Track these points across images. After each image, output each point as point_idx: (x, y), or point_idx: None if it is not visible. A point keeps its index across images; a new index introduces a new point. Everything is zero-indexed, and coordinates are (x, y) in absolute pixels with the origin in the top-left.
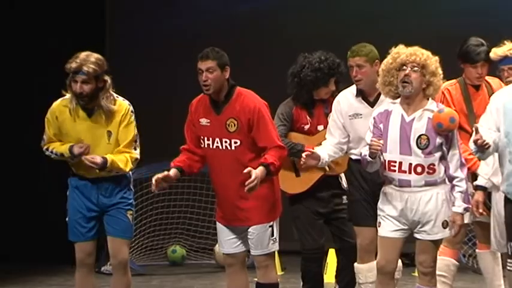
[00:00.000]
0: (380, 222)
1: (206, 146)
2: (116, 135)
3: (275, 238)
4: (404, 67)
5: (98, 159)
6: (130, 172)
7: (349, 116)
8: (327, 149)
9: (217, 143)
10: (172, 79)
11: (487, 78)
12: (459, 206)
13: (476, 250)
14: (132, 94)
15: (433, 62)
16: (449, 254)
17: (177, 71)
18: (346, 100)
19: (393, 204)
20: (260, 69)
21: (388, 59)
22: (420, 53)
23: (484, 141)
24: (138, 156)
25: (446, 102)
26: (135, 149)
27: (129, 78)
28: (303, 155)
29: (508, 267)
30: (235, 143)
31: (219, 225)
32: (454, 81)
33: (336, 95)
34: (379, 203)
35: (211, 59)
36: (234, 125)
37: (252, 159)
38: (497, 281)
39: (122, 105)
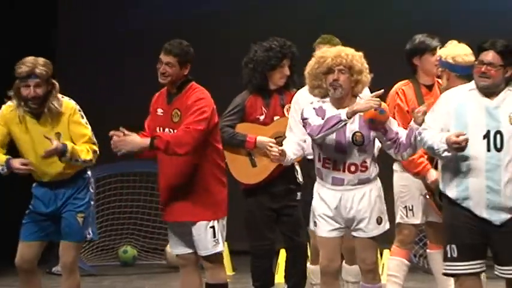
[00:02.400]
0: (315, 222)
1: None
2: (68, 136)
3: (217, 239)
4: (332, 70)
5: (56, 143)
6: (89, 173)
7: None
8: (290, 147)
9: (164, 132)
10: (121, 79)
11: (438, 79)
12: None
13: (427, 250)
14: (82, 95)
15: (359, 59)
16: (401, 254)
17: (126, 71)
18: (305, 97)
19: (327, 203)
20: (212, 69)
21: (313, 64)
22: (345, 54)
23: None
24: (97, 150)
25: (400, 102)
26: (94, 144)
27: (80, 79)
28: (272, 154)
29: (444, 270)
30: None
31: (168, 225)
32: (406, 81)
33: (292, 87)
34: (313, 202)
35: (173, 55)
36: (178, 116)
37: (200, 150)
38: (447, 281)
39: (68, 105)
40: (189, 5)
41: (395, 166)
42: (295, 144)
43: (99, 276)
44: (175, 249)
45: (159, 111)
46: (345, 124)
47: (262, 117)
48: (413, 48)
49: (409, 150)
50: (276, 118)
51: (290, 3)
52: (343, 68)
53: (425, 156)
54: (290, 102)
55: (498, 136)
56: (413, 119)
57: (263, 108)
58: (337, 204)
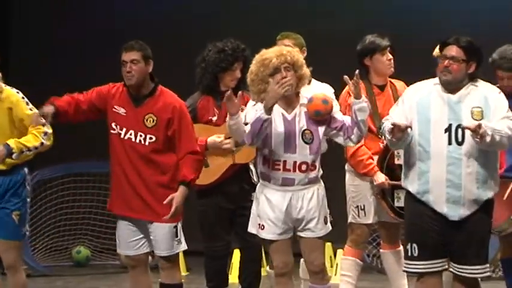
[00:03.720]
0: (263, 225)
1: (117, 134)
2: (7, 124)
3: (179, 239)
4: (278, 70)
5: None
6: (25, 169)
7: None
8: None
9: (130, 134)
10: (72, 80)
11: (392, 80)
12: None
13: (380, 250)
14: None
15: (298, 54)
16: (354, 253)
17: (77, 73)
18: None
19: (276, 206)
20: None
21: (257, 68)
22: (287, 51)
23: (400, 124)
24: (49, 130)
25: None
26: (43, 125)
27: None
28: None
29: (405, 268)
30: (151, 138)
31: (120, 225)
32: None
33: (244, 89)
34: (260, 205)
35: (136, 50)
36: (153, 121)
37: (164, 156)
38: (401, 281)
39: (9, 92)
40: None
41: (348, 166)
42: None
43: (53, 276)
44: (126, 250)
45: (121, 110)
46: (268, 120)
47: (214, 119)
48: (363, 48)
49: (356, 131)
50: (227, 120)
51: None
52: (288, 66)
53: (374, 158)
54: (242, 104)
55: (459, 130)
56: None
57: (215, 110)
58: (287, 205)
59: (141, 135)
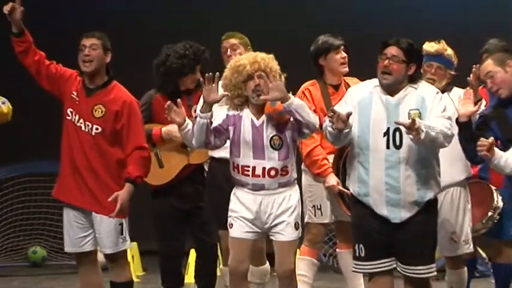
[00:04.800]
0: (232, 224)
1: (72, 120)
2: None
3: (125, 236)
4: (251, 77)
5: None
6: None
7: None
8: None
9: (80, 123)
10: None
11: (345, 78)
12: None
13: (337, 250)
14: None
15: (273, 61)
16: (310, 253)
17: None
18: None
19: (247, 207)
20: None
21: (230, 74)
22: (261, 58)
23: (340, 113)
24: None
25: (306, 102)
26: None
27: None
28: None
29: (353, 269)
30: (97, 129)
31: (66, 222)
32: (313, 81)
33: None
34: (230, 205)
35: (96, 38)
36: (101, 112)
37: (110, 148)
38: (357, 280)
39: None
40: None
41: (304, 166)
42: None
43: (8, 276)
44: (72, 247)
45: (74, 94)
46: (206, 118)
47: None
48: (317, 48)
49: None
50: None
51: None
52: (261, 73)
53: (330, 159)
54: (197, 103)
55: (397, 133)
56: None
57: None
58: (257, 208)
59: (88, 125)
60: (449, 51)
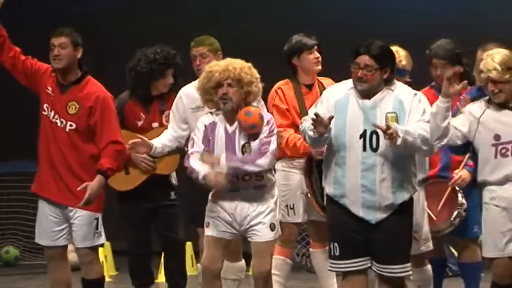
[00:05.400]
0: (209, 223)
1: (48, 115)
2: None
3: (100, 232)
4: (221, 84)
5: None
6: None
7: (192, 109)
8: (162, 139)
9: (56, 119)
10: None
11: (319, 78)
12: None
13: (310, 249)
14: None
15: (248, 71)
16: (283, 253)
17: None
18: (189, 93)
19: (224, 208)
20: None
21: (202, 78)
22: (232, 68)
23: (323, 118)
24: None
25: (279, 101)
26: None
27: None
28: (130, 142)
29: (329, 268)
30: (71, 126)
31: (41, 215)
32: (286, 80)
33: (175, 90)
34: (208, 205)
35: (64, 36)
36: (75, 108)
37: (85, 144)
38: (330, 280)
39: None
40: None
41: (277, 166)
42: (170, 136)
43: None
44: (45, 240)
45: (49, 90)
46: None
47: (140, 123)
48: (290, 48)
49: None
50: (154, 125)
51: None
52: (231, 82)
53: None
54: (170, 109)
55: (374, 136)
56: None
57: (142, 114)
58: (234, 210)
59: (62, 121)
60: (404, 62)
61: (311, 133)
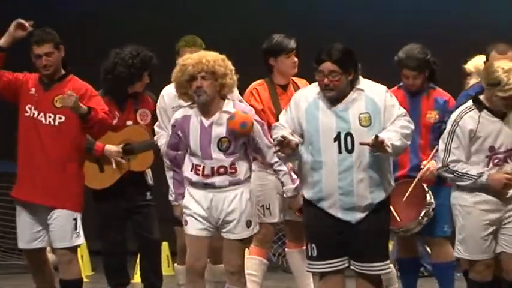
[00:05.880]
0: (186, 221)
1: (31, 115)
2: None
3: (78, 232)
4: (195, 78)
5: None
6: None
7: (173, 107)
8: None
9: (41, 117)
10: None
11: (294, 78)
12: (288, 189)
13: (286, 249)
14: None
15: (222, 63)
16: (259, 253)
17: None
18: (170, 92)
19: (200, 203)
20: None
21: (176, 72)
22: (206, 60)
23: (290, 140)
24: None
25: (255, 101)
26: None
27: None
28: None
29: (307, 268)
30: (60, 118)
31: (20, 219)
32: (261, 81)
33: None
34: (184, 202)
35: (47, 42)
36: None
37: (75, 135)
38: (306, 280)
39: None
40: None
41: (253, 165)
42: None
43: None
44: (24, 243)
45: (32, 91)
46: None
47: (114, 121)
48: (269, 48)
49: None
50: (128, 123)
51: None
52: (205, 74)
53: None
54: (145, 107)
55: (348, 138)
56: None
57: (116, 112)
58: (209, 205)
59: (50, 116)
60: None
61: (277, 153)
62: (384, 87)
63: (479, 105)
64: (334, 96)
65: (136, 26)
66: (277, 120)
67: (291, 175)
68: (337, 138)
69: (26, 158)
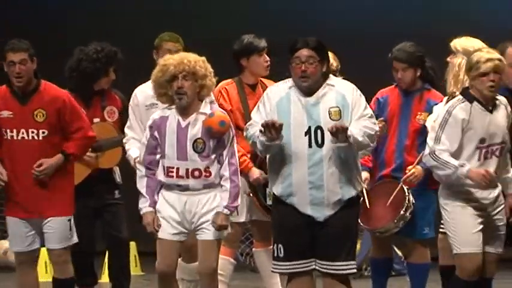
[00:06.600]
0: (159, 225)
1: (9, 137)
2: None
3: (72, 232)
4: (176, 78)
5: None
6: None
7: (146, 106)
8: (136, 147)
9: (22, 134)
10: None
11: (263, 79)
12: (220, 204)
13: (253, 249)
14: None
15: (202, 64)
16: (227, 252)
17: None
18: (143, 91)
19: (173, 207)
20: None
21: (157, 72)
22: (187, 61)
23: (275, 121)
24: None
25: (223, 101)
26: None
27: None
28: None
29: (272, 269)
30: (43, 133)
31: (11, 222)
32: (230, 80)
33: (115, 89)
34: (157, 206)
35: (23, 51)
36: (43, 115)
37: (60, 144)
38: (273, 279)
39: None
40: None
41: None
42: (137, 142)
43: None
44: (19, 246)
45: (6, 113)
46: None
47: None
48: (241, 49)
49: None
50: (95, 120)
51: None
52: (186, 75)
53: (248, 155)
54: (112, 105)
55: (319, 132)
56: None
57: (83, 109)
58: (182, 208)
59: (33, 132)
60: (335, 63)
61: (263, 139)
62: (353, 85)
63: (469, 97)
64: (310, 85)
65: (104, 25)
66: (245, 120)
67: (233, 194)
68: (307, 132)
69: (15, 180)
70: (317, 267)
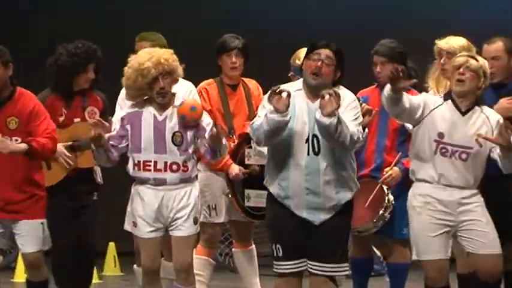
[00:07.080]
0: (135, 223)
1: None
2: None
3: (46, 236)
4: (157, 79)
5: None
6: None
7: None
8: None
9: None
10: None
11: (245, 79)
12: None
13: (233, 249)
14: None
15: (174, 57)
16: (206, 253)
17: None
18: None
19: (148, 203)
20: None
21: (134, 76)
22: (164, 60)
23: (283, 89)
24: None
25: (203, 101)
26: None
27: None
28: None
29: (274, 269)
30: (16, 140)
31: None
32: (211, 80)
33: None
34: (131, 203)
35: None
36: (15, 123)
37: None
38: (253, 279)
39: None
40: None
41: (198, 166)
42: None
43: None
44: None
45: None
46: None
47: (61, 119)
48: (216, 48)
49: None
50: (76, 120)
51: None
52: (165, 74)
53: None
54: (93, 105)
55: (315, 140)
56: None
57: (63, 109)
58: (159, 203)
59: (6, 139)
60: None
61: (272, 116)
62: (354, 96)
63: (447, 97)
64: (318, 85)
65: (86, 27)
66: (225, 120)
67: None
68: (307, 140)
69: None
70: (308, 269)
